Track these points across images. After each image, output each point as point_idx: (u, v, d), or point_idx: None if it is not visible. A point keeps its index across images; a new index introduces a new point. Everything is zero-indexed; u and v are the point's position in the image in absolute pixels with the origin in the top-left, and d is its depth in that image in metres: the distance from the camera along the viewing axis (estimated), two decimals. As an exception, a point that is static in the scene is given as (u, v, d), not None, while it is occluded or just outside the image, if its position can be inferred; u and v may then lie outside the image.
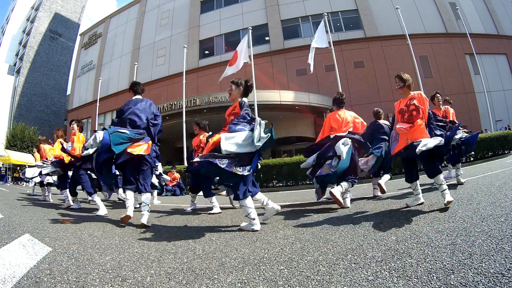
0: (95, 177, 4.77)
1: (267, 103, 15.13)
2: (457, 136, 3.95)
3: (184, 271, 1.69)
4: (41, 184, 7.03)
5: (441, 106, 4.84)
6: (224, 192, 7.20)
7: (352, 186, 3.70)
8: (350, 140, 3.58)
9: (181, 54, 16.16)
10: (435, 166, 2.90)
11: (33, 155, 8.51)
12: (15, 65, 43.91)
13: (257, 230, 2.63)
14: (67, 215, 4.23)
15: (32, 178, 6.51)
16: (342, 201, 3.44)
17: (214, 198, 4.48)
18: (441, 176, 2.88)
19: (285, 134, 19.17)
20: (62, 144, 4.85)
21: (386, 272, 1.44)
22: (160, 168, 6.32)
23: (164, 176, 6.82)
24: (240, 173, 2.55)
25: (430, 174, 2.94)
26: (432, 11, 20.72)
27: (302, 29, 21.64)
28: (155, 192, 6.67)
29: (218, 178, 3.14)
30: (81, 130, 5.09)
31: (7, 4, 57.94)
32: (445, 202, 2.73)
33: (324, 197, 4.10)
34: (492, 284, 1.20)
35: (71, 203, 5.16)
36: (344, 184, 3.52)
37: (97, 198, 4.61)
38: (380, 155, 3.96)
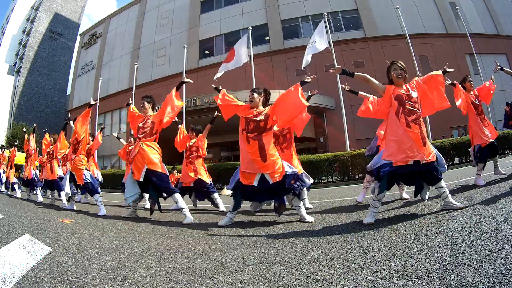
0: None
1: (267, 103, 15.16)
2: None
3: (184, 271, 1.69)
4: (26, 184, 7.13)
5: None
6: (227, 192, 7.20)
7: None
8: None
9: (181, 54, 16.15)
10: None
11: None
12: (15, 65, 43.89)
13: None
14: (67, 215, 4.23)
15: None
16: None
17: (217, 196, 4.58)
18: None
19: (285, 134, 19.14)
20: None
21: (386, 272, 1.44)
22: None
23: None
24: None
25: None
26: (432, 11, 20.70)
27: (302, 29, 21.63)
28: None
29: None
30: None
31: (7, 4, 57.95)
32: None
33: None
34: (492, 284, 1.20)
35: (66, 204, 5.19)
36: None
37: (100, 198, 4.64)
38: None
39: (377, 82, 2.83)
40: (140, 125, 3.76)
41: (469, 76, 4.37)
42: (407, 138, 2.56)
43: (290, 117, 3.06)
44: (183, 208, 3.51)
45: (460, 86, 4.19)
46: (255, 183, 3.00)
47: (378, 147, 3.78)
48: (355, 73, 2.90)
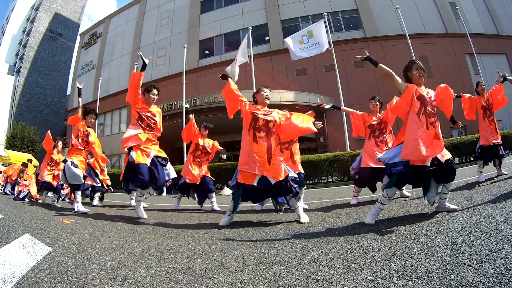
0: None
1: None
2: None
3: (184, 271, 1.69)
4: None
5: (484, 93, 4.53)
6: (227, 192, 7.18)
7: None
8: None
9: (181, 54, 16.15)
10: None
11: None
12: (15, 65, 43.89)
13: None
14: (67, 215, 4.23)
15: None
16: None
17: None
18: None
19: (285, 134, 19.12)
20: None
21: (386, 272, 1.44)
22: None
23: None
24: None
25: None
26: (432, 11, 20.70)
27: (302, 29, 21.62)
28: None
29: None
30: (64, 146, 5.35)
31: (7, 4, 57.95)
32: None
33: None
34: (492, 284, 1.20)
35: (57, 204, 5.26)
36: None
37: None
38: None
39: (399, 79, 2.80)
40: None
41: (481, 82, 4.62)
42: (427, 137, 2.57)
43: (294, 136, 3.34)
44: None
45: (466, 96, 4.46)
46: (255, 183, 2.93)
47: (362, 167, 3.93)
48: (380, 64, 2.87)
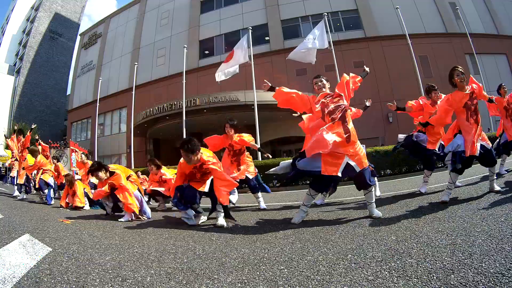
0: None
1: (267, 103, 15.10)
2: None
3: (184, 271, 1.69)
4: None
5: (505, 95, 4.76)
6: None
7: None
8: None
9: (181, 54, 16.15)
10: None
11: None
12: (15, 65, 43.90)
13: None
14: (67, 215, 4.23)
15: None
16: None
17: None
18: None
19: (285, 134, 19.10)
20: None
21: (386, 272, 1.44)
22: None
23: None
24: None
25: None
26: (432, 11, 20.69)
27: (302, 29, 21.61)
28: None
29: None
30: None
31: (7, 4, 57.97)
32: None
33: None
34: (492, 284, 1.20)
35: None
36: None
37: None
38: None
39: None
40: None
41: (503, 84, 4.97)
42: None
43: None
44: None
45: (496, 98, 4.65)
46: (339, 173, 2.68)
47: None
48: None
